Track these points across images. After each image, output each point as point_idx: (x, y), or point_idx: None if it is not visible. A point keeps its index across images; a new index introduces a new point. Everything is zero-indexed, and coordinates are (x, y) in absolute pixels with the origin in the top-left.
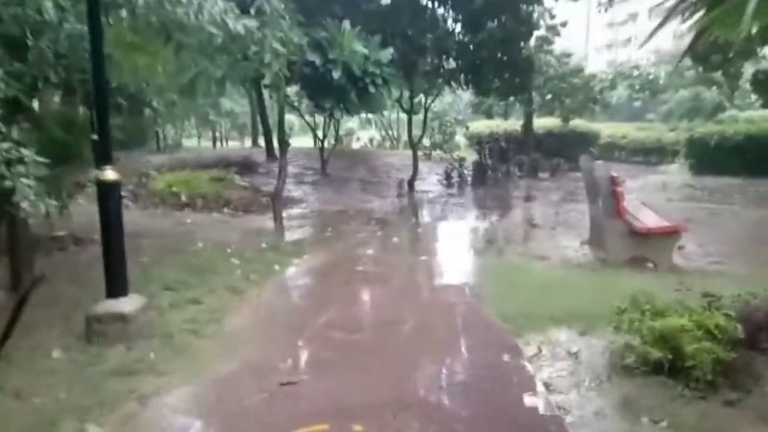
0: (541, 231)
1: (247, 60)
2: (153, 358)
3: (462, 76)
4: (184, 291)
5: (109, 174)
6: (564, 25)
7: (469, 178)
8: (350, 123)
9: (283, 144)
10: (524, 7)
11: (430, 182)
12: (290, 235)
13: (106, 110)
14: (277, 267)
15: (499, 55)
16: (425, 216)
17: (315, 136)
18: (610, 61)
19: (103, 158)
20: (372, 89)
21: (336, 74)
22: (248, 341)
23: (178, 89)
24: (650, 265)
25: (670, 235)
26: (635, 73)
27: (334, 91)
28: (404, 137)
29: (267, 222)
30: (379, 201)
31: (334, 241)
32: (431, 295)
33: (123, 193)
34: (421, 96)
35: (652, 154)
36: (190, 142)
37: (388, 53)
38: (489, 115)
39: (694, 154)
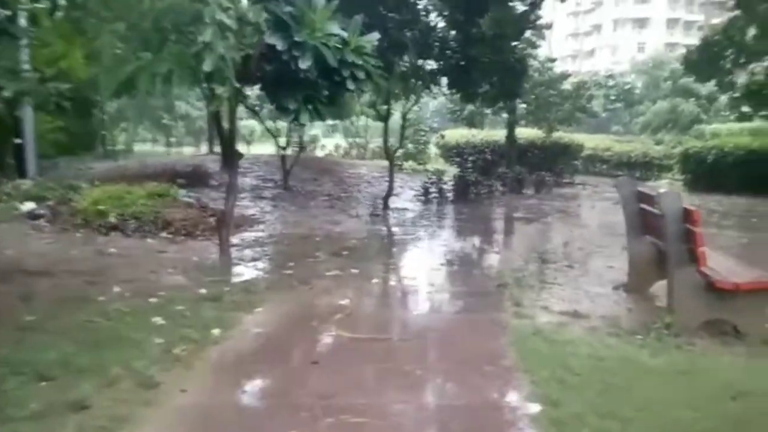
0: (555, 268)
1: (180, 36)
2: None
3: (445, 78)
4: (68, 383)
5: None
6: (549, 27)
7: (449, 194)
8: (314, 130)
9: (235, 155)
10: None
11: (405, 198)
12: (240, 273)
13: None
14: (216, 331)
15: (489, 55)
16: (408, 244)
17: (277, 144)
18: (575, 71)
19: None
20: (351, 85)
21: (304, 63)
22: None
23: (116, 86)
24: (731, 331)
25: (765, 291)
26: (611, 82)
27: (302, 86)
28: (372, 145)
29: (213, 251)
30: (351, 222)
31: (297, 282)
32: (447, 395)
33: (41, 212)
34: (392, 101)
35: (636, 169)
36: (143, 147)
37: (373, 38)
38: (471, 124)
39: (689, 169)
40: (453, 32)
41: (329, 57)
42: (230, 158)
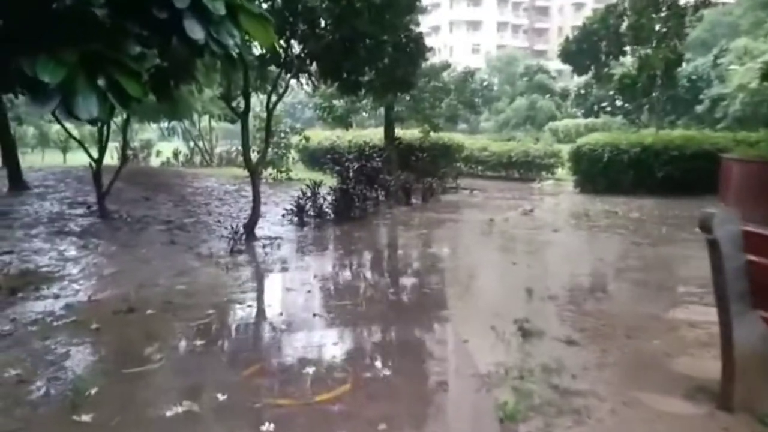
0: (555, 349)
1: None
2: None
3: (315, 64)
4: None
5: None
6: (424, 10)
7: (329, 211)
8: (146, 133)
9: None
10: None
11: (273, 219)
12: None
13: None
14: None
15: (377, 32)
16: (299, 311)
17: (88, 154)
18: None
19: None
20: (196, 31)
21: None
22: None
23: None
24: None
25: None
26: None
27: (75, 31)
28: (219, 150)
29: None
30: (203, 269)
31: None
32: None
33: None
34: (239, 98)
35: (514, 168)
36: None
37: None
38: (344, 123)
39: (582, 169)
40: (326, 2)
41: None
42: None
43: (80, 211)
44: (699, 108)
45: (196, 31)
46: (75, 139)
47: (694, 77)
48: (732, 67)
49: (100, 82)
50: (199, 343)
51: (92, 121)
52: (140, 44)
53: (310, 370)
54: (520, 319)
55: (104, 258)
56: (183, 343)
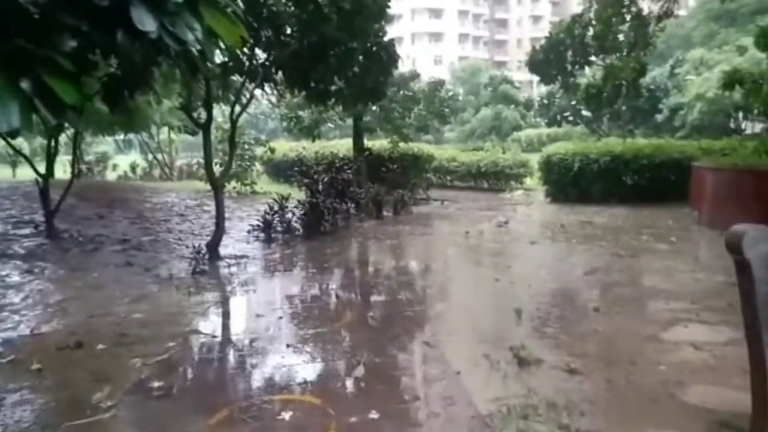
0: (556, 377)
1: None
2: None
3: (281, 73)
4: None
5: None
6: (392, 19)
7: (297, 226)
8: (102, 146)
9: None
10: None
11: (238, 236)
12: None
13: None
14: None
15: (346, 39)
16: (266, 332)
17: (33, 168)
18: None
19: None
20: (145, 22)
21: None
22: None
23: None
24: None
25: None
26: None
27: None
28: (180, 162)
29: None
30: (161, 294)
31: None
32: None
33: None
34: (200, 109)
35: (483, 179)
36: None
37: None
38: (311, 135)
39: (552, 179)
40: (292, 7)
41: None
42: None
43: (26, 231)
44: (658, 117)
45: (146, 22)
46: (17, 151)
47: (652, 87)
48: (689, 77)
49: (24, 85)
50: (156, 384)
51: (12, 134)
52: (79, 41)
53: (287, 414)
54: (515, 345)
55: (51, 284)
56: (138, 386)
